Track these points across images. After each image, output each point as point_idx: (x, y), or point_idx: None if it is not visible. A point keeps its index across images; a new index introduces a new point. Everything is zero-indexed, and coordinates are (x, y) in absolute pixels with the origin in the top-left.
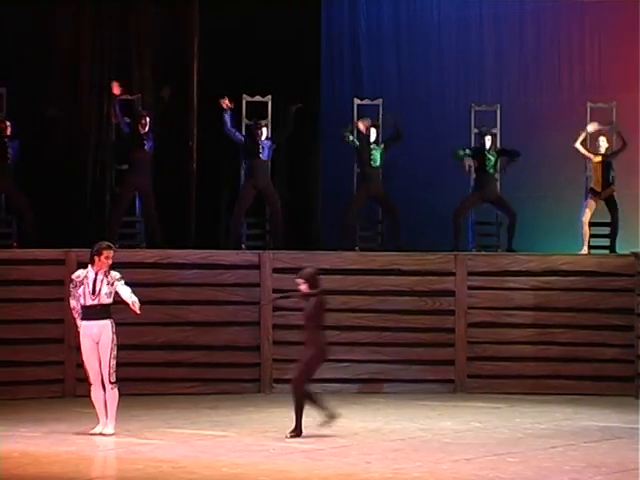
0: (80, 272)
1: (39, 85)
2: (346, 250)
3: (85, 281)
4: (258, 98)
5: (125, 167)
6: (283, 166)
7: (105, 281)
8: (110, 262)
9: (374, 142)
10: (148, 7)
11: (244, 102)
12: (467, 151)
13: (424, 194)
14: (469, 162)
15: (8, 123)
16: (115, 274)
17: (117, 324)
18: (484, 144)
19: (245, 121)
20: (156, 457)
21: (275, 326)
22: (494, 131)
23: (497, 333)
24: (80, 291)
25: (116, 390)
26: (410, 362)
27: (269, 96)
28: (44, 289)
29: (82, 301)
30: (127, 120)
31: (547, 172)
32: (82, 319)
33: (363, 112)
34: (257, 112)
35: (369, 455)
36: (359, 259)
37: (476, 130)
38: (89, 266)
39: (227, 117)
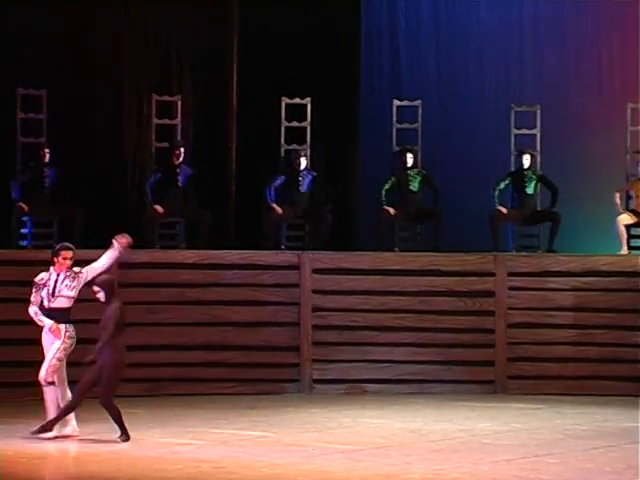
0: (43, 275)
1: (79, 86)
2: (385, 250)
3: (48, 283)
4: (297, 100)
5: (154, 203)
6: (322, 166)
7: (66, 282)
8: (70, 263)
9: (411, 167)
10: (188, 7)
11: (283, 104)
12: (503, 185)
13: (464, 194)
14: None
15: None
16: (77, 269)
17: (157, 324)
18: (522, 163)
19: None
20: (196, 457)
21: (314, 327)
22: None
23: (537, 334)
24: (43, 293)
25: (52, 389)
26: (450, 363)
27: (308, 98)
28: (84, 289)
29: (45, 303)
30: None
31: (587, 173)
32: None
33: (402, 113)
34: (296, 114)
35: (409, 456)
36: (399, 259)
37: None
38: (51, 268)
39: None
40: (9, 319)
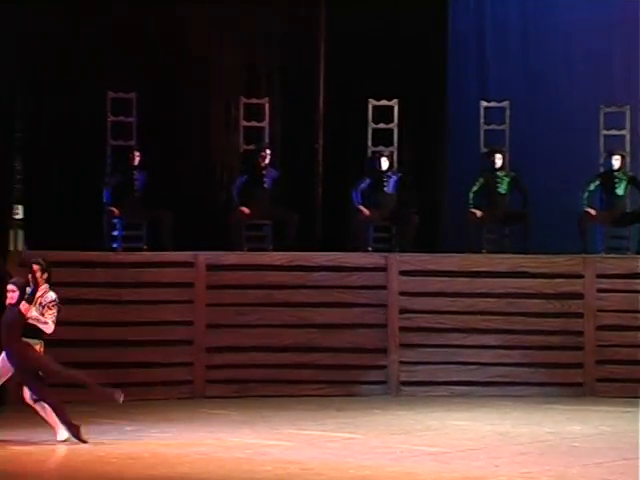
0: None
1: (168, 89)
2: (473, 252)
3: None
4: (384, 102)
5: (240, 205)
6: (409, 168)
7: (39, 301)
8: (37, 276)
9: (500, 168)
10: (276, 9)
11: (370, 106)
12: (593, 186)
13: (552, 195)
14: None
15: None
16: (51, 295)
17: (245, 326)
18: (612, 164)
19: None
20: (284, 458)
21: (402, 329)
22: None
23: (626, 336)
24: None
25: (42, 404)
26: (538, 365)
27: (395, 100)
28: (174, 291)
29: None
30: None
31: None
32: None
33: (490, 114)
34: (383, 116)
35: (497, 459)
36: (486, 261)
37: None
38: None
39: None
40: (101, 320)
